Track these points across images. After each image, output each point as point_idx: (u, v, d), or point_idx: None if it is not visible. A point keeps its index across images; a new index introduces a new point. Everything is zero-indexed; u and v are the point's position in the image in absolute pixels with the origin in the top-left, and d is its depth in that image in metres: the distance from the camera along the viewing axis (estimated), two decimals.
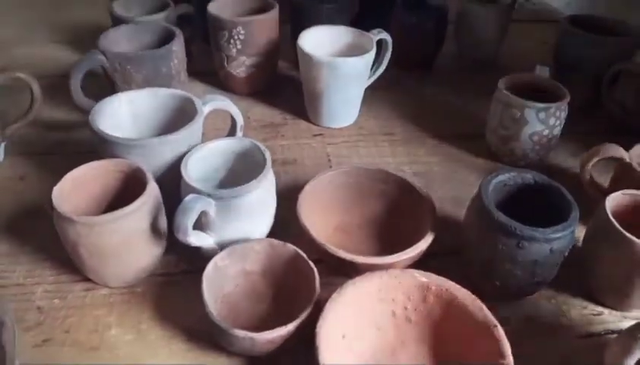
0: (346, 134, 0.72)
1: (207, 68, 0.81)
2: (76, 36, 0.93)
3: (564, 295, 0.51)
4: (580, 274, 0.51)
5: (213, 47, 0.76)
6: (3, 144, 0.63)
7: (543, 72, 0.70)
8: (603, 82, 0.71)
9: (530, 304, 0.50)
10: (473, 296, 0.42)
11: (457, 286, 0.43)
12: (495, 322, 0.40)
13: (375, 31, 0.71)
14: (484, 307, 0.41)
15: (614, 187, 0.53)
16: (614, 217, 0.46)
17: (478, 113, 0.73)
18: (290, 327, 0.40)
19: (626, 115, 0.71)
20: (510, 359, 0.38)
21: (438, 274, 0.44)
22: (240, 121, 0.58)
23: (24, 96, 0.64)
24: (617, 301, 0.49)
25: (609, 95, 0.71)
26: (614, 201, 0.49)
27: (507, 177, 0.50)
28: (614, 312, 0.50)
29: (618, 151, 0.55)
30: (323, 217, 0.53)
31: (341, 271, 0.47)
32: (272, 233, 0.52)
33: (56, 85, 0.74)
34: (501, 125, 0.64)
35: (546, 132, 0.62)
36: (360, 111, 0.75)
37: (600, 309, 0.50)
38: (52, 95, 0.73)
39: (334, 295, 0.42)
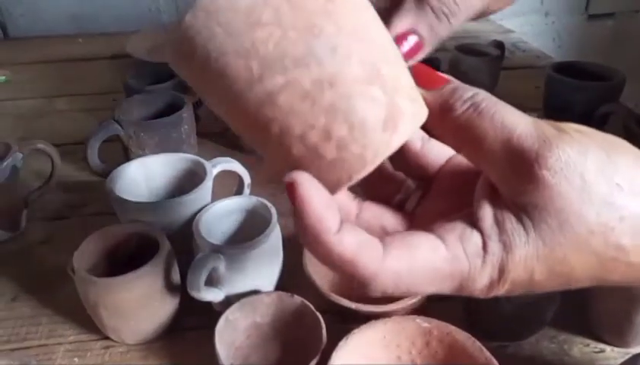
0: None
1: (215, 129, 0.85)
2: (92, 104, 0.98)
3: (565, 333, 0.52)
4: (580, 312, 0.52)
5: None
6: (25, 212, 0.67)
7: None
8: (591, 124, 0.74)
9: (532, 344, 0.51)
10: (473, 339, 0.44)
11: (458, 329, 0.45)
12: (496, 362, 0.42)
13: None
14: (484, 349, 0.43)
15: None
16: None
17: None
18: None
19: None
20: None
21: (441, 317, 0.46)
22: (247, 179, 0.61)
23: (45, 165, 0.68)
24: (618, 338, 0.50)
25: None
26: None
27: None
28: (616, 349, 0.50)
29: None
30: None
31: (347, 319, 0.49)
32: (281, 283, 0.54)
33: (75, 151, 0.78)
34: None
35: None
36: None
37: (602, 346, 0.51)
38: (71, 161, 0.77)
39: (341, 343, 0.44)
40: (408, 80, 0.25)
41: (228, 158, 0.61)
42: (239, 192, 0.62)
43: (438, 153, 0.30)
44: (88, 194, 0.73)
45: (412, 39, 0.33)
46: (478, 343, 0.44)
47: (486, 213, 0.25)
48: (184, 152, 0.62)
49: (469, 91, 0.26)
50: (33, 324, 0.54)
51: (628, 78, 0.78)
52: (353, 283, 0.24)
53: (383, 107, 0.23)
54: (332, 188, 0.24)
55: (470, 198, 0.26)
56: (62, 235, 0.66)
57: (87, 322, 0.51)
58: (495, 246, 0.24)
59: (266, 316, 0.50)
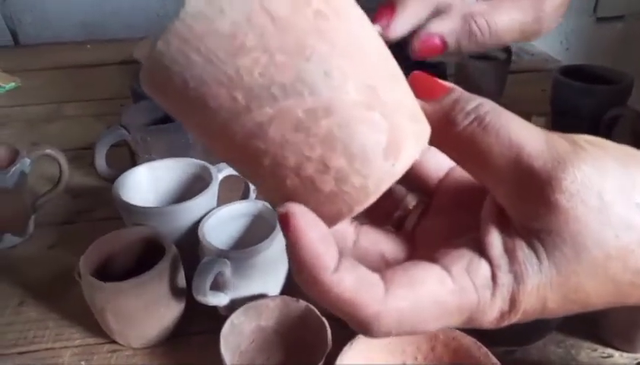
0: None
1: None
2: (101, 110, 0.99)
3: (572, 338, 0.52)
4: (588, 316, 0.51)
5: None
6: (33, 217, 0.67)
7: (538, 123, 0.73)
8: (600, 128, 0.73)
9: (539, 349, 0.50)
10: (479, 344, 0.44)
11: (463, 334, 0.45)
12: None
13: None
14: (489, 353, 0.43)
15: None
16: None
17: None
18: None
19: None
20: None
21: None
22: (252, 184, 0.61)
23: (53, 170, 0.69)
24: (626, 343, 0.50)
25: (607, 139, 0.74)
26: None
27: None
28: (625, 354, 0.50)
29: None
30: None
31: None
32: (286, 287, 0.54)
33: (83, 156, 0.79)
34: None
35: None
36: None
37: (610, 351, 0.50)
38: (79, 166, 0.78)
39: (345, 348, 0.44)
40: (409, 97, 0.23)
41: None
42: (244, 196, 0.62)
43: (438, 163, 0.29)
44: (96, 199, 0.74)
45: (435, 39, 0.33)
46: (484, 348, 0.43)
47: (495, 240, 0.23)
48: (191, 157, 0.62)
49: (472, 102, 0.24)
50: (40, 328, 0.55)
51: (637, 81, 0.77)
52: (352, 325, 0.22)
53: (384, 133, 0.21)
54: (331, 221, 0.22)
55: (473, 217, 0.25)
56: (70, 240, 0.67)
57: (94, 325, 0.51)
58: (505, 277, 0.22)
59: (271, 320, 0.50)
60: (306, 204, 0.21)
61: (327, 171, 0.21)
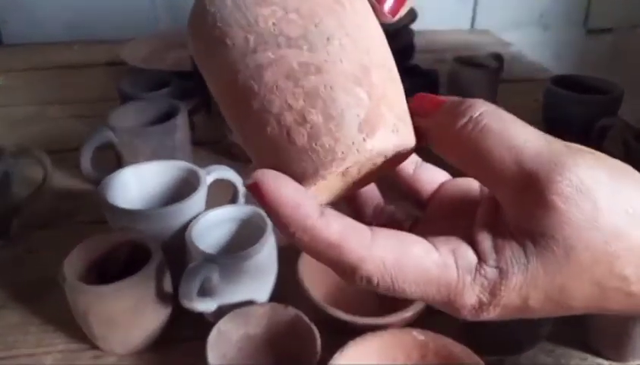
0: None
1: (211, 138, 0.84)
2: (86, 111, 0.97)
3: (562, 347, 0.51)
4: (578, 326, 0.51)
5: (216, 117, 0.80)
6: (16, 220, 0.66)
7: None
8: (591, 137, 0.74)
9: (529, 357, 0.50)
10: (470, 352, 0.43)
11: (455, 342, 0.44)
12: None
13: None
14: (481, 362, 0.42)
15: None
16: None
17: None
18: None
19: None
20: None
21: (439, 330, 0.45)
22: (241, 188, 0.60)
23: (37, 172, 0.67)
24: (616, 352, 0.50)
25: (597, 149, 0.74)
26: None
27: None
28: (614, 363, 0.50)
29: None
30: (325, 276, 0.54)
31: (342, 332, 0.48)
32: (276, 294, 0.53)
33: (67, 158, 0.78)
34: None
35: None
36: None
37: (599, 360, 0.50)
38: (64, 168, 0.77)
39: (336, 356, 0.43)
40: (399, 97, 0.25)
41: (222, 166, 0.60)
42: (233, 200, 0.61)
43: (430, 177, 0.30)
44: (80, 202, 0.72)
45: None
46: (475, 356, 0.43)
47: (485, 237, 0.24)
48: (178, 160, 0.61)
49: (469, 104, 0.24)
50: (21, 332, 0.53)
51: (627, 93, 0.78)
52: (337, 273, 0.23)
53: (364, 109, 0.23)
54: (297, 181, 0.23)
55: (465, 224, 0.25)
56: (53, 243, 0.65)
57: (77, 331, 0.50)
58: (490, 271, 0.23)
59: (259, 328, 0.49)
60: (276, 159, 0.23)
61: (304, 124, 0.22)
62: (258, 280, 0.51)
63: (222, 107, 0.26)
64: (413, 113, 0.26)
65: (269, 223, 0.52)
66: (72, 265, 0.48)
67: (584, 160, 0.22)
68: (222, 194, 0.62)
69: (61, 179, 0.75)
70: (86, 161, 0.64)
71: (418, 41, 1.09)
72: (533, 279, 0.23)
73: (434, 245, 0.23)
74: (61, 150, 0.80)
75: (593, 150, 0.24)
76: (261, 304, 0.49)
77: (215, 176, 0.58)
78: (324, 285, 0.54)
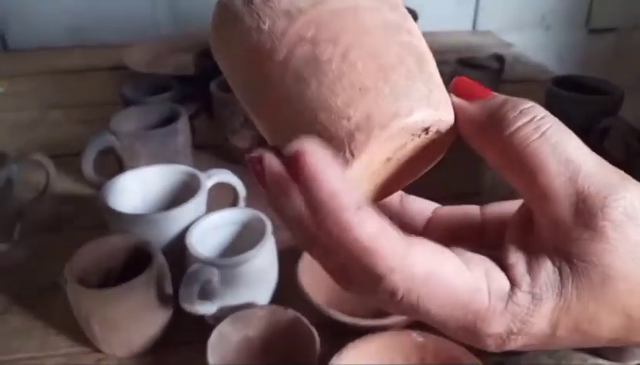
0: None
1: (212, 141, 0.84)
2: (88, 116, 0.98)
3: (563, 349, 0.51)
4: None
5: (217, 121, 0.80)
6: (18, 225, 0.66)
7: None
8: (591, 138, 0.74)
9: (529, 359, 0.50)
10: (470, 354, 0.43)
11: (454, 344, 0.44)
12: None
13: None
14: (480, 364, 0.42)
15: None
16: None
17: (474, 171, 0.75)
18: None
19: (617, 167, 0.74)
20: None
21: (437, 332, 0.45)
22: (242, 192, 0.61)
23: (40, 176, 0.67)
24: (615, 353, 0.50)
25: (598, 149, 0.74)
26: None
27: None
28: (614, 364, 0.50)
29: None
30: (324, 279, 0.54)
31: (342, 334, 0.48)
32: (276, 296, 0.53)
33: (70, 163, 0.78)
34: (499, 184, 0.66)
35: None
36: None
37: (600, 361, 0.50)
38: (67, 173, 0.77)
39: (335, 358, 0.43)
40: (440, 80, 0.24)
41: (223, 170, 0.60)
42: (234, 204, 0.62)
43: (419, 208, 0.28)
44: (82, 206, 0.73)
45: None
46: (474, 358, 0.43)
47: (518, 259, 0.22)
48: (179, 164, 0.61)
49: (525, 103, 0.22)
50: (24, 336, 0.54)
51: (628, 94, 0.78)
52: (362, 277, 0.21)
53: (414, 81, 0.22)
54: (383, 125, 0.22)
55: (468, 247, 0.23)
56: (56, 247, 0.65)
57: (79, 334, 0.50)
58: (523, 297, 0.21)
59: (259, 330, 0.49)
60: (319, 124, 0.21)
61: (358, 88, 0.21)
62: (258, 282, 0.51)
63: (244, 74, 0.24)
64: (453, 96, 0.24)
65: (269, 226, 0.52)
66: (74, 268, 0.48)
67: (636, 186, 0.21)
68: (223, 197, 0.63)
69: (64, 184, 0.76)
70: (88, 165, 0.65)
71: None
72: (565, 305, 0.21)
73: (467, 265, 0.21)
74: (64, 155, 0.81)
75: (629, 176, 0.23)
76: (261, 307, 0.50)
77: (216, 179, 0.58)
78: (323, 287, 0.53)
